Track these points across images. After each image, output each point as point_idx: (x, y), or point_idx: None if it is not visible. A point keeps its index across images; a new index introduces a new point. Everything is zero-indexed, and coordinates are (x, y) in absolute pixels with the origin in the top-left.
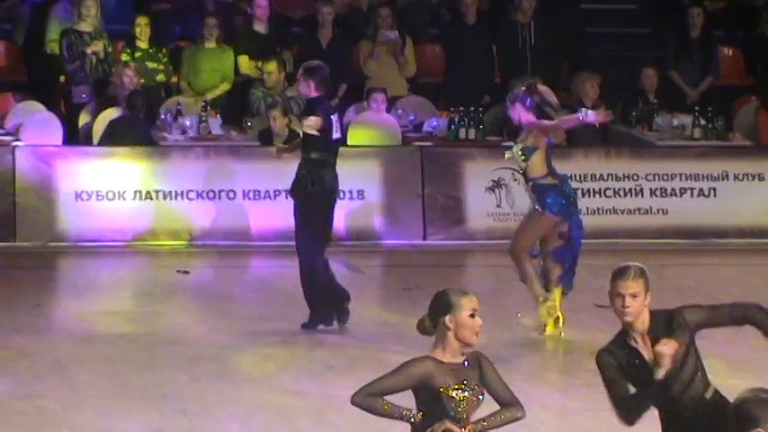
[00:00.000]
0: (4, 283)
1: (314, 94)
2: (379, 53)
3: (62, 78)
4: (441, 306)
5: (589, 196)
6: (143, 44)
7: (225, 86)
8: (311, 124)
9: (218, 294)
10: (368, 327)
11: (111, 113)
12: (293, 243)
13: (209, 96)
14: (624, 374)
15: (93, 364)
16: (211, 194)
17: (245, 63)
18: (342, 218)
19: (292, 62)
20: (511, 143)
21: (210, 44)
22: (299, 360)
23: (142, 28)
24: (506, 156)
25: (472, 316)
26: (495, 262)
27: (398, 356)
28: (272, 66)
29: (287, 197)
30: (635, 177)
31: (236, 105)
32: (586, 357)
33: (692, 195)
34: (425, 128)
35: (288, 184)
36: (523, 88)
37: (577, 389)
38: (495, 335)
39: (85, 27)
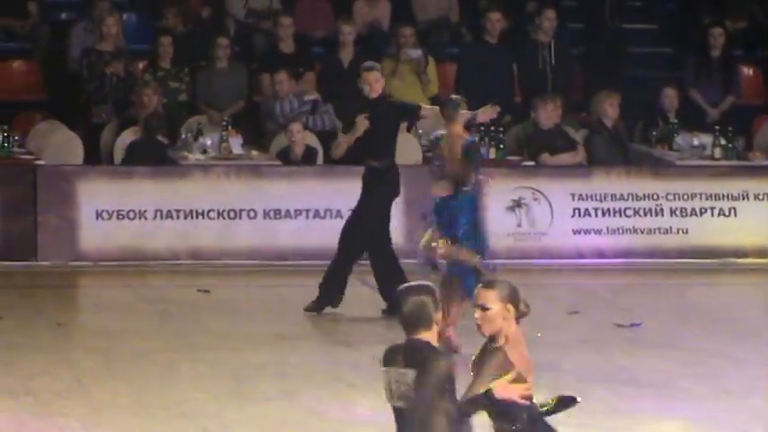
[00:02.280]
0: (26, 302)
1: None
2: (402, 72)
3: (83, 98)
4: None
5: (609, 216)
6: (165, 64)
7: (239, 104)
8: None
9: (239, 313)
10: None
11: (131, 133)
12: (314, 262)
13: (225, 115)
14: None
15: (113, 382)
16: (232, 213)
17: (267, 82)
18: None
19: (315, 82)
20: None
21: (222, 64)
22: (320, 379)
23: (165, 48)
24: None
25: None
26: (514, 281)
27: None
28: (282, 75)
29: (307, 216)
30: (655, 197)
31: (257, 124)
32: (604, 376)
33: (712, 215)
34: None
35: (307, 204)
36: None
37: (594, 409)
38: None
39: (106, 46)
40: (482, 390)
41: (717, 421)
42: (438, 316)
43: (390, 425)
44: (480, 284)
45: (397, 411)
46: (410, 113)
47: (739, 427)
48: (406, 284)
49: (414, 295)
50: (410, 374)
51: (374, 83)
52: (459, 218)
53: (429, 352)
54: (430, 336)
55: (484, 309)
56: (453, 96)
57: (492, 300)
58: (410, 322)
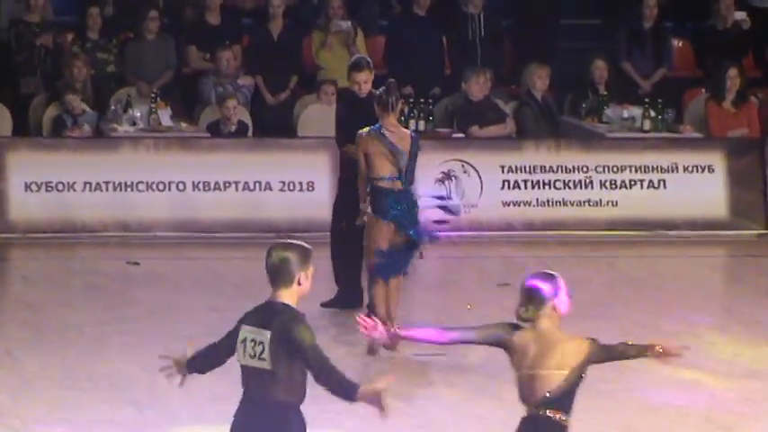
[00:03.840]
0: None
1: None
2: (332, 44)
3: (11, 69)
4: (550, 291)
5: (539, 188)
6: (93, 35)
7: (168, 75)
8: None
9: (169, 286)
10: (320, 318)
11: (58, 105)
12: (243, 234)
13: (154, 86)
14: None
15: (42, 354)
16: (161, 186)
17: (193, 54)
18: (292, 210)
19: (241, 54)
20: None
21: (151, 35)
22: None
23: (94, 18)
24: None
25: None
26: (444, 253)
27: (352, 347)
28: (228, 53)
29: (236, 189)
30: (585, 169)
31: (186, 96)
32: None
33: (641, 187)
34: None
35: (236, 176)
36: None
37: None
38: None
39: (34, 17)
40: None
41: (645, 393)
42: (302, 276)
43: (317, 394)
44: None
45: (246, 370)
46: None
47: (668, 401)
48: (279, 240)
49: (280, 250)
50: (266, 335)
51: (363, 83)
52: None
53: (285, 315)
54: (289, 294)
55: None
56: (391, 80)
57: None
58: (272, 277)
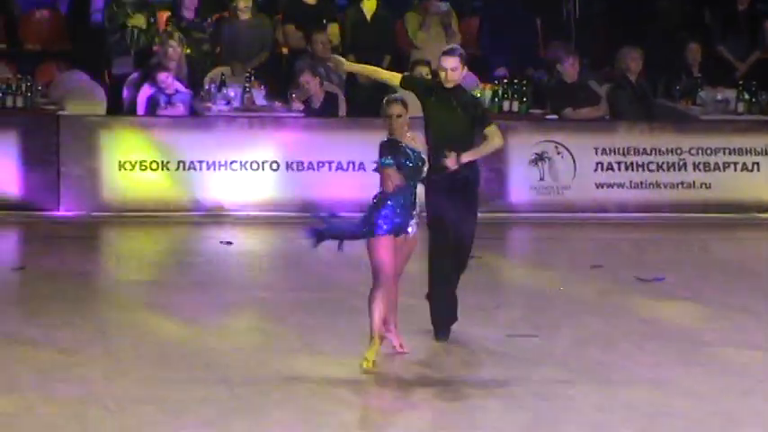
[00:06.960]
0: (48, 252)
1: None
2: (429, 24)
3: (105, 48)
4: None
5: (632, 170)
6: (189, 14)
7: (264, 55)
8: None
9: (262, 265)
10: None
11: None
12: (337, 213)
13: (249, 66)
14: None
15: (135, 333)
16: (255, 165)
17: (291, 33)
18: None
19: (338, 34)
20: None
21: (245, 15)
22: (342, 329)
23: None
24: None
25: None
26: (537, 235)
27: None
28: (323, 36)
29: (330, 168)
30: (678, 151)
31: (282, 76)
32: (626, 329)
33: (735, 170)
34: None
35: (330, 156)
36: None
37: (617, 363)
38: (534, 304)
39: None
40: None
41: (741, 374)
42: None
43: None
44: None
45: None
46: None
47: (762, 380)
48: None
49: None
50: None
51: (450, 71)
52: None
53: None
54: None
55: None
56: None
57: None
58: None
